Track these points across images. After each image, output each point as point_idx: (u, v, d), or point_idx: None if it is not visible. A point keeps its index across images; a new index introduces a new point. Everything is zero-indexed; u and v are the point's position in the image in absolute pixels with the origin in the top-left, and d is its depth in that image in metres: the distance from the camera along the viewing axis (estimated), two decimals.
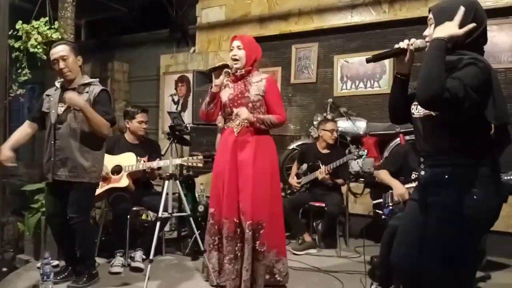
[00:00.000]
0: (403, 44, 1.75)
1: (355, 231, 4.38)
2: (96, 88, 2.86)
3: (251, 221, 2.72)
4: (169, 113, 2.80)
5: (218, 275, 2.85)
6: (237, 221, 2.78)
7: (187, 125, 3.02)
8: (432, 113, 1.66)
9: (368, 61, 1.82)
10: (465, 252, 1.69)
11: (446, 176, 1.65)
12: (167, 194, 2.69)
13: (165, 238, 4.02)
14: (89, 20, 7.33)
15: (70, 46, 2.88)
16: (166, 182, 2.70)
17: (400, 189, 2.84)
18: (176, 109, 6.09)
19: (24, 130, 2.97)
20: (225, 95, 2.88)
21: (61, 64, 2.78)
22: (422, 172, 1.77)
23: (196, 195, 4.38)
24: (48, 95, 2.95)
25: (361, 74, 4.94)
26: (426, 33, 1.74)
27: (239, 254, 2.79)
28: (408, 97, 1.84)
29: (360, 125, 4.58)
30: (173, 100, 6.13)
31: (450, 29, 1.56)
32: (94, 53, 6.90)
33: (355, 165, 4.45)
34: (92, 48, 6.92)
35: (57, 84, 2.94)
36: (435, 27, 1.66)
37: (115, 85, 6.73)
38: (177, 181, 2.77)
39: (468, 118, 1.60)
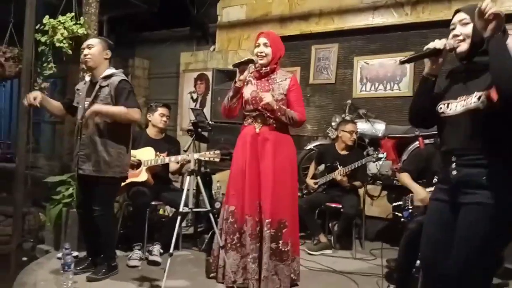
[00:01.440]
0: (439, 45, 1.74)
1: (371, 233, 4.38)
2: (116, 80, 2.86)
3: (271, 219, 2.71)
4: (193, 109, 2.83)
5: (235, 275, 2.79)
6: (257, 220, 2.78)
7: (210, 122, 3.02)
8: (480, 106, 1.64)
9: (402, 62, 1.82)
10: (498, 255, 1.71)
11: (484, 178, 1.63)
12: (188, 189, 2.71)
13: (182, 234, 4.07)
14: (111, 16, 7.41)
15: (101, 39, 3.01)
16: (188, 177, 2.72)
17: (421, 194, 2.82)
18: (195, 106, 6.13)
19: (59, 105, 3.07)
20: (248, 91, 2.86)
21: (85, 51, 2.88)
22: (454, 172, 1.72)
23: (213, 192, 4.42)
24: (77, 89, 3.02)
25: (381, 76, 4.92)
26: (462, 32, 1.71)
27: (259, 254, 2.77)
28: (432, 99, 1.84)
29: (379, 127, 4.56)
30: (192, 97, 6.18)
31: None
32: (115, 49, 6.95)
33: (372, 168, 4.44)
34: (114, 44, 7.01)
35: (87, 77, 2.99)
36: (474, 27, 1.66)
37: (135, 81, 6.80)
38: (198, 177, 2.79)
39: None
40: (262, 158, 2.79)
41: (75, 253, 3.33)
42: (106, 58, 2.96)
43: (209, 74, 5.88)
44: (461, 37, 1.70)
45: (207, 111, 5.90)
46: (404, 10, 4.72)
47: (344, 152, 4.11)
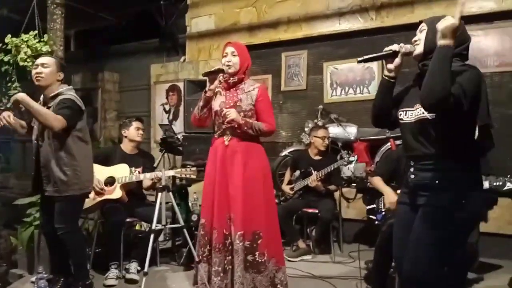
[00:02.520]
0: (395, 47, 1.81)
1: (349, 236, 4.42)
2: (61, 97, 2.81)
3: (243, 231, 2.69)
4: (161, 125, 2.80)
5: (205, 286, 2.78)
6: (227, 233, 2.74)
7: (179, 137, 3.00)
8: (428, 116, 1.71)
9: (359, 61, 1.87)
10: (456, 253, 1.78)
11: (437, 181, 1.72)
12: (160, 205, 2.69)
13: (160, 249, 4.01)
14: (78, 30, 7.33)
15: (56, 60, 2.93)
16: (159, 194, 2.69)
17: (391, 198, 2.88)
18: (168, 118, 6.10)
19: (23, 123, 2.98)
20: (217, 103, 2.85)
21: (38, 69, 2.81)
22: (412, 176, 1.82)
23: (190, 204, 4.39)
24: None
25: (351, 80, 5.00)
26: (416, 38, 1.82)
27: (228, 268, 2.74)
28: (392, 101, 1.90)
29: (351, 131, 4.63)
30: (164, 109, 6.14)
31: (448, 19, 1.60)
32: (84, 64, 6.90)
33: (346, 171, 4.49)
34: (82, 59, 6.92)
35: (41, 97, 2.93)
36: (427, 33, 1.76)
37: (106, 95, 6.72)
38: (170, 193, 2.77)
39: (459, 122, 1.67)
40: (231, 171, 2.76)
41: (49, 276, 3.25)
42: (58, 80, 2.88)
43: (181, 85, 5.88)
44: (417, 42, 1.78)
45: (180, 122, 5.93)
46: (369, 15, 4.82)
47: (317, 157, 4.15)
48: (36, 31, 3.79)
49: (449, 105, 1.58)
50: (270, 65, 5.55)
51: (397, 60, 1.84)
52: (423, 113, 1.74)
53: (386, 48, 1.84)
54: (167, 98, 6.13)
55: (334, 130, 4.61)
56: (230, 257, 2.73)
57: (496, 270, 3.50)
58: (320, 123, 4.61)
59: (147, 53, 6.55)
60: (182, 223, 2.81)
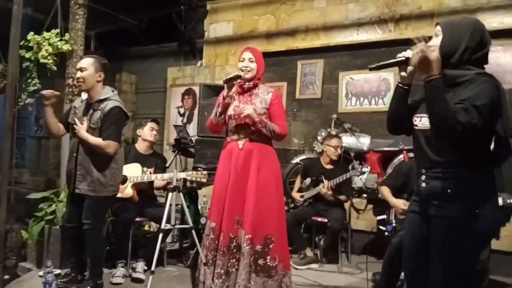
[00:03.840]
0: (408, 53, 1.78)
1: (358, 247, 4.38)
2: (109, 104, 2.89)
3: (251, 235, 2.69)
4: (175, 126, 2.84)
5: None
6: (232, 236, 2.75)
7: (192, 138, 3.03)
8: None
9: (371, 69, 1.85)
10: (468, 265, 1.73)
11: (449, 190, 1.68)
12: (170, 205, 2.70)
13: (167, 250, 4.03)
14: (99, 31, 7.44)
15: (94, 60, 2.95)
16: (170, 194, 2.72)
17: (399, 207, 2.85)
18: (182, 121, 6.14)
19: (60, 125, 3.08)
20: (231, 107, 2.88)
21: (78, 74, 2.89)
22: (423, 184, 1.78)
23: (199, 207, 4.40)
24: (75, 107, 3.03)
25: (366, 91, 4.98)
26: (431, 43, 1.77)
27: (231, 270, 2.75)
28: (408, 108, 1.88)
29: (364, 141, 4.60)
30: (179, 112, 6.19)
31: (420, 51, 1.62)
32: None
33: (358, 181, 4.46)
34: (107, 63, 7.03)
35: (83, 95, 3.00)
36: (442, 39, 1.73)
37: (122, 96, 6.78)
38: (180, 193, 2.79)
39: (475, 133, 1.63)
40: (245, 174, 2.78)
41: (57, 271, 3.28)
42: (98, 81, 2.93)
43: (196, 89, 5.92)
44: (432, 48, 1.75)
45: (194, 125, 5.96)
46: (387, 26, 4.81)
47: (329, 166, 4.13)
48: (58, 30, 3.85)
49: (459, 135, 1.57)
50: (286, 73, 5.57)
51: (410, 67, 1.82)
52: None
53: (399, 55, 1.82)
54: (182, 101, 6.18)
55: (347, 140, 4.59)
56: (234, 260, 2.74)
57: None
58: (333, 132, 4.60)
59: (165, 56, 6.62)
60: (191, 224, 2.81)
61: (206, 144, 4.87)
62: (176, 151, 2.88)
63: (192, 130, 5.97)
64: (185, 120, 6.12)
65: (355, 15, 4.98)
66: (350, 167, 4.33)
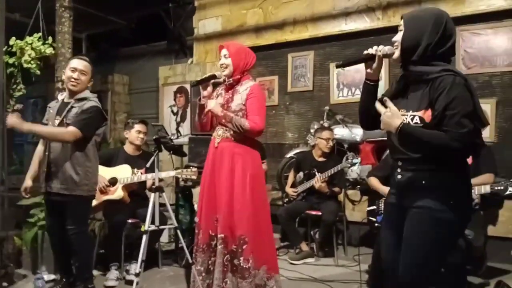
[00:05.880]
0: (371, 51, 1.76)
1: (354, 239, 4.35)
2: (88, 103, 2.88)
3: (223, 235, 2.64)
4: (153, 125, 2.81)
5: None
6: (212, 234, 2.72)
7: (171, 137, 3.01)
8: (418, 121, 1.66)
9: (338, 66, 1.85)
10: (441, 256, 1.73)
11: (424, 182, 1.67)
12: (154, 206, 2.69)
13: (163, 250, 4.03)
14: (89, 33, 7.42)
15: (91, 66, 3.00)
16: (152, 194, 2.70)
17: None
18: (176, 119, 6.12)
19: (39, 151, 3.03)
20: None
21: (76, 75, 2.86)
22: (399, 176, 1.76)
23: (195, 205, 4.38)
24: (49, 107, 3.01)
25: (357, 81, 4.93)
26: (395, 39, 1.75)
27: (211, 268, 2.72)
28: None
29: (357, 132, 4.55)
30: (172, 111, 6.16)
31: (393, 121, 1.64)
32: (95, 66, 6.93)
33: (352, 173, 4.43)
34: (93, 61, 6.98)
35: (59, 96, 2.98)
36: (403, 34, 1.70)
37: (115, 97, 6.78)
38: (163, 194, 2.77)
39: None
40: (219, 173, 2.73)
41: (52, 276, 3.28)
42: (88, 86, 3.00)
43: (188, 87, 5.91)
44: (395, 44, 1.72)
45: (187, 123, 5.95)
46: (375, 14, 4.75)
47: (321, 159, 4.10)
48: (40, 33, 3.82)
49: (459, 150, 1.59)
50: (276, 66, 5.52)
51: (375, 64, 1.78)
52: (408, 122, 1.66)
53: (365, 52, 1.79)
54: (175, 100, 6.15)
55: (340, 132, 4.55)
56: (214, 258, 2.71)
57: (503, 275, 3.39)
58: (326, 125, 4.56)
59: (156, 56, 6.59)
60: (175, 224, 2.80)
61: (200, 142, 4.82)
62: (156, 151, 2.85)
63: (186, 128, 5.97)
64: (178, 119, 6.10)
65: (343, 5, 4.92)
66: (344, 159, 4.30)
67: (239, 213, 2.67)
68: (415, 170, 1.70)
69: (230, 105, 2.74)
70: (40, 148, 3.02)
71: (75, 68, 2.88)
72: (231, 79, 2.78)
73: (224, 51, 2.77)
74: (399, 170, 1.76)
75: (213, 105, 2.69)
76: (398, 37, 1.72)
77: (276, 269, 2.81)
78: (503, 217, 3.63)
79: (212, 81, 2.75)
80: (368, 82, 1.83)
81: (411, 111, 1.68)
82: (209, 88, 2.77)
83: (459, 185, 1.68)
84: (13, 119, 2.66)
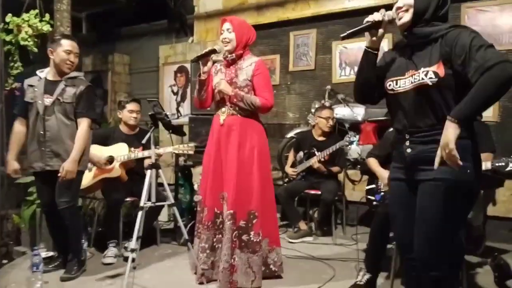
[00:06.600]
0: (377, 16, 1.71)
1: (353, 218, 4.34)
2: (82, 84, 2.94)
3: (233, 211, 2.66)
4: (148, 100, 2.78)
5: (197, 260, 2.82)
6: (218, 212, 2.74)
7: (167, 114, 2.99)
8: (428, 81, 1.61)
9: (343, 38, 1.78)
10: (458, 227, 1.70)
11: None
12: (150, 183, 2.67)
13: (162, 229, 4.04)
14: (89, 13, 7.33)
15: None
16: (148, 171, 2.68)
17: (386, 179, 2.78)
18: (176, 99, 6.08)
19: (18, 132, 3.01)
20: (216, 81, 2.82)
21: (72, 58, 2.92)
22: (408, 150, 1.70)
23: (195, 185, 4.36)
24: (31, 86, 2.95)
25: (360, 60, 4.84)
26: (405, 2, 1.69)
27: (217, 246, 2.74)
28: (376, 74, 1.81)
29: (359, 112, 4.49)
30: (172, 91, 6.11)
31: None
32: (95, 46, 6.92)
33: (353, 152, 4.39)
34: (93, 41, 6.94)
35: (40, 74, 2.95)
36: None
37: (116, 77, 6.73)
38: (160, 171, 2.75)
39: (464, 83, 1.56)
40: (226, 150, 2.74)
41: (51, 253, 3.30)
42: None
43: (189, 66, 5.85)
44: (404, 8, 1.67)
45: (187, 103, 5.90)
46: None
47: (321, 138, 4.06)
48: (38, 10, 3.76)
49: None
50: (278, 45, 5.43)
51: (381, 30, 1.74)
52: (422, 79, 1.62)
53: (368, 19, 1.74)
54: (175, 79, 6.09)
55: (342, 111, 4.49)
56: (220, 236, 2.73)
57: (502, 254, 3.34)
58: (327, 104, 4.50)
59: (156, 35, 6.50)
60: (172, 201, 2.78)
61: (200, 122, 4.79)
62: (152, 127, 2.82)
63: (186, 108, 5.93)
64: (179, 99, 6.05)
65: None
66: (345, 138, 4.26)
67: (248, 188, 2.69)
68: (427, 142, 1.65)
69: (235, 81, 2.72)
70: (20, 129, 3.00)
71: (71, 51, 2.90)
72: (233, 55, 2.75)
73: (227, 25, 2.73)
74: (407, 143, 1.71)
75: (223, 85, 2.70)
76: (407, 1, 1.67)
77: (278, 242, 2.89)
78: (503, 197, 3.59)
79: (213, 57, 2.70)
80: (371, 50, 1.78)
81: (422, 68, 1.64)
82: (209, 64, 2.74)
83: (473, 154, 1.63)
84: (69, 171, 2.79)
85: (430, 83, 1.61)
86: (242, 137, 2.73)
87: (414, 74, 1.66)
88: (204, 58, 2.72)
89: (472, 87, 1.50)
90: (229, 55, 2.78)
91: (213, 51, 2.70)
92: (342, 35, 1.77)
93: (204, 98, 2.87)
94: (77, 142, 2.85)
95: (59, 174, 2.78)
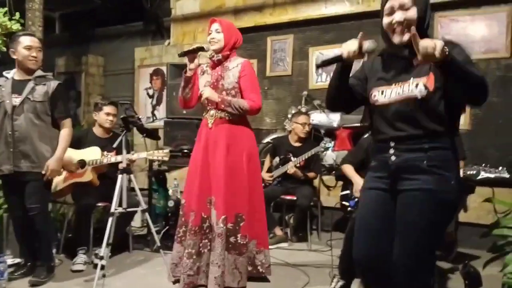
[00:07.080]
0: (345, 54, 1.65)
1: (329, 224, 4.34)
2: (53, 82, 2.91)
3: (225, 215, 2.63)
4: (121, 103, 2.73)
5: (175, 267, 2.77)
6: (205, 216, 2.70)
7: (140, 117, 2.93)
8: (417, 94, 1.58)
9: (317, 67, 1.78)
10: (440, 237, 1.69)
11: (425, 162, 1.60)
12: (121, 188, 2.61)
13: (135, 235, 3.95)
14: (63, 13, 7.18)
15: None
16: (119, 176, 2.61)
17: (360, 186, 2.79)
18: (151, 102, 5.99)
19: None
20: (202, 82, 2.79)
21: (35, 53, 2.85)
22: (393, 158, 1.66)
23: (170, 190, 4.29)
24: None
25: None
26: (398, 18, 1.61)
27: (203, 251, 2.70)
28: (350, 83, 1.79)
29: (334, 118, 4.52)
30: (148, 93, 6.02)
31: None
32: (68, 47, 6.77)
33: (328, 158, 4.41)
34: (67, 41, 6.79)
35: (7, 74, 2.87)
36: (418, 11, 1.61)
37: (89, 79, 6.59)
38: (132, 175, 2.69)
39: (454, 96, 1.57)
40: (214, 154, 2.70)
41: (17, 260, 3.18)
42: None
43: (165, 69, 5.75)
44: (408, 22, 1.60)
45: (163, 106, 5.81)
46: None
47: (297, 144, 4.06)
48: (7, 8, 3.64)
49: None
50: (256, 50, 5.43)
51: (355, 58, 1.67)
52: (411, 90, 1.60)
53: (336, 53, 1.68)
54: (151, 82, 6.00)
55: (318, 117, 4.51)
56: (206, 241, 2.70)
57: (473, 260, 3.41)
58: (304, 110, 4.52)
59: (132, 37, 6.42)
60: (144, 206, 2.72)
61: (176, 126, 4.75)
62: (124, 131, 2.76)
63: (161, 111, 5.84)
64: (154, 102, 5.96)
65: None
66: (321, 144, 4.27)
67: (237, 192, 2.67)
68: (414, 150, 1.62)
69: (221, 83, 2.70)
70: None
71: (31, 46, 2.85)
72: (219, 55, 2.72)
73: (216, 26, 2.71)
74: (391, 151, 1.67)
75: (209, 92, 2.66)
76: (411, 14, 1.61)
77: (266, 244, 2.89)
78: (474, 203, 3.66)
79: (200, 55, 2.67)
80: (345, 64, 1.71)
81: (412, 78, 1.62)
82: (196, 61, 2.70)
83: (454, 165, 1.63)
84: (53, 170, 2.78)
85: (419, 96, 1.59)
86: (231, 142, 2.70)
87: (404, 85, 1.63)
88: (191, 54, 2.69)
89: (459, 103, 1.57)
90: (215, 55, 2.75)
91: (200, 49, 2.67)
92: (316, 64, 1.76)
93: (189, 97, 2.83)
94: (62, 141, 2.85)
95: (43, 172, 2.74)
